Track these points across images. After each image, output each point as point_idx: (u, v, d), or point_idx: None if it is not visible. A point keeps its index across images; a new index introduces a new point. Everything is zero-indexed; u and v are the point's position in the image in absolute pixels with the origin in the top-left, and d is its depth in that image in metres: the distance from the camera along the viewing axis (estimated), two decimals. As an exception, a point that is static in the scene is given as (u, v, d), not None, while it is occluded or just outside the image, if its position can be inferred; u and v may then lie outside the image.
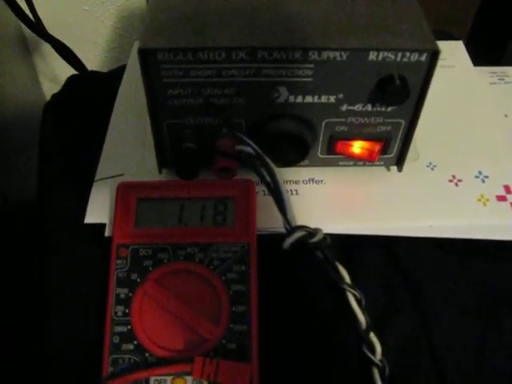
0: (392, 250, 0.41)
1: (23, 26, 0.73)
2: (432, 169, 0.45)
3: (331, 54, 0.36)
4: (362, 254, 0.41)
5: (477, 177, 0.45)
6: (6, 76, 0.70)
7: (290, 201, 0.34)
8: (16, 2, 0.61)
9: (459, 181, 0.44)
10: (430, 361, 0.37)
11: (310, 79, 0.37)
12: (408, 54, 0.35)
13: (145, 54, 0.35)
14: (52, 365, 0.38)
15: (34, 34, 0.70)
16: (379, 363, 0.33)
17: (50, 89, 0.84)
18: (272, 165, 0.35)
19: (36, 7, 0.67)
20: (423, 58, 0.36)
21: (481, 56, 0.55)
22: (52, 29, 0.69)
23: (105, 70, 0.63)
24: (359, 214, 0.43)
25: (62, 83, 0.56)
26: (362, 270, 0.40)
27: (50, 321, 0.39)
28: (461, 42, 0.55)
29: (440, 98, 0.43)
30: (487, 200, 0.43)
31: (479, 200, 0.43)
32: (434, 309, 0.39)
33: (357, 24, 0.37)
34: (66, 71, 0.63)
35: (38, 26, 0.66)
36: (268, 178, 0.35)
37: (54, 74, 0.84)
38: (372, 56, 0.36)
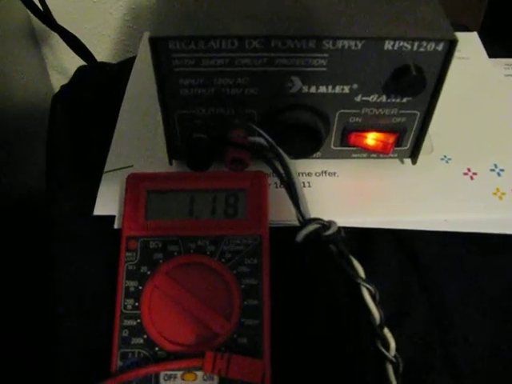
0: (406, 244, 0.40)
1: (32, 17, 0.73)
2: (447, 162, 0.44)
3: (346, 43, 0.35)
4: (375, 248, 0.40)
5: (492, 170, 0.44)
6: (14, 67, 0.69)
7: (303, 193, 0.34)
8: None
9: (474, 174, 0.44)
10: (444, 358, 0.37)
11: (324, 69, 0.36)
12: (425, 43, 0.35)
13: (156, 43, 0.34)
14: (61, 358, 0.38)
15: (42, 26, 0.70)
16: (393, 359, 0.33)
17: (58, 80, 0.84)
18: (285, 156, 0.34)
19: (45, -2, 0.66)
20: (440, 47, 0.35)
21: (495, 48, 0.54)
22: (60, 21, 0.68)
23: (113, 62, 0.63)
24: (372, 207, 0.42)
25: (71, 75, 0.55)
26: (376, 264, 0.39)
27: (58, 314, 0.39)
28: (475, 34, 0.54)
29: (455, 89, 0.43)
30: (503, 194, 0.42)
31: (495, 194, 0.42)
32: (448, 304, 0.38)
33: (372, 13, 0.36)
34: (75, 63, 0.63)
35: (46, 16, 0.65)
36: (281, 170, 0.34)
37: (63, 65, 0.83)
38: (388, 45, 0.35)
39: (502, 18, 0.65)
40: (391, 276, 0.39)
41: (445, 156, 0.45)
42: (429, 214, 0.42)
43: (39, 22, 0.69)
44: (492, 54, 0.53)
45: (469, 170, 0.44)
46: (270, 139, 0.36)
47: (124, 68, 0.53)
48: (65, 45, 0.69)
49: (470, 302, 0.39)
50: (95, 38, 0.81)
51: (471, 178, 0.43)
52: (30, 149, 0.67)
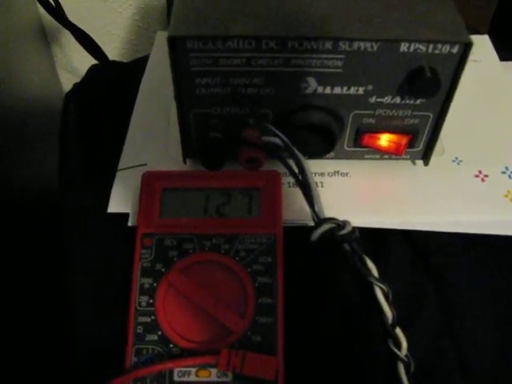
0: (418, 244, 0.41)
1: (42, 15, 0.73)
2: (458, 164, 0.44)
3: (362, 45, 0.35)
4: (387, 248, 0.40)
5: (503, 172, 0.44)
6: (24, 65, 0.70)
7: (318, 193, 0.34)
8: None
9: (485, 176, 0.44)
10: (455, 358, 0.37)
11: (339, 70, 0.36)
12: (440, 45, 0.35)
13: (174, 42, 0.35)
14: (75, 354, 0.38)
15: (52, 24, 0.70)
16: (405, 359, 0.33)
17: (67, 79, 0.84)
18: (301, 156, 0.35)
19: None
20: (455, 50, 0.35)
21: (505, 51, 0.54)
22: (70, 19, 0.69)
23: (122, 61, 0.63)
24: (384, 207, 0.42)
25: (80, 73, 0.56)
26: (388, 264, 0.39)
27: (74, 312, 0.39)
28: (487, 37, 0.55)
29: (466, 92, 0.43)
30: (514, 196, 0.43)
31: (506, 196, 0.43)
32: (459, 305, 0.39)
33: (388, 15, 0.36)
34: (84, 61, 0.63)
35: (58, 13, 0.65)
36: (296, 170, 0.35)
37: (72, 64, 0.83)
38: (403, 47, 0.35)
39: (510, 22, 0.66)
40: (403, 276, 0.39)
41: (456, 158, 0.45)
42: (440, 216, 0.42)
43: (49, 21, 0.69)
44: (503, 57, 0.53)
45: (480, 172, 0.44)
46: (285, 139, 0.36)
47: (137, 67, 0.53)
48: (74, 43, 0.70)
49: (482, 302, 0.39)
50: (104, 36, 0.81)
51: (482, 180, 0.44)
52: (39, 146, 0.68)
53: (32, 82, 0.73)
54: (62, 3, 0.67)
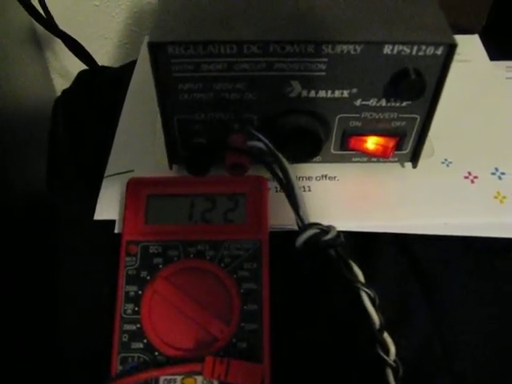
0: (407, 248, 0.40)
1: (35, 22, 0.73)
2: (447, 165, 0.44)
3: (345, 48, 0.35)
4: (375, 252, 0.40)
5: (493, 173, 0.44)
6: (18, 72, 0.69)
7: (302, 197, 0.34)
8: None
9: (475, 177, 0.43)
10: (445, 362, 0.36)
11: (323, 73, 0.36)
12: (424, 47, 0.35)
13: (155, 48, 0.34)
14: (62, 362, 0.38)
15: (45, 31, 0.70)
16: (393, 364, 0.33)
17: (61, 85, 0.84)
18: (285, 161, 0.34)
19: (47, 3, 0.66)
20: (439, 51, 0.35)
21: (497, 50, 0.54)
22: (63, 25, 0.68)
23: (116, 65, 0.63)
24: (373, 211, 0.42)
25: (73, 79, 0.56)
26: (377, 268, 0.39)
27: (60, 318, 0.39)
28: (476, 36, 0.54)
29: (456, 93, 0.42)
30: (504, 197, 0.42)
31: (496, 197, 0.42)
32: (449, 309, 0.38)
33: (371, 17, 0.36)
34: (78, 67, 0.63)
35: (48, 22, 0.65)
36: (280, 175, 0.34)
37: (66, 70, 0.83)
38: (387, 49, 0.35)
39: (504, 20, 0.65)
40: (392, 280, 0.39)
41: (445, 159, 0.44)
42: (429, 218, 0.41)
43: (42, 27, 0.69)
44: (493, 57, 0.53)
45: (469, 173, 0.44)
46: (268, 144, 0.36)
47: (125, 72, 0.53)
48: (67, 50, 0.69)
49: (471, 306, 0.38)
50: (98, 41, 0.81)
51: (472, 181, 0.43)
52: (32, 152, 0.67)
53: (25, 87, 0.73)
54: (55, 9, 0.67)
